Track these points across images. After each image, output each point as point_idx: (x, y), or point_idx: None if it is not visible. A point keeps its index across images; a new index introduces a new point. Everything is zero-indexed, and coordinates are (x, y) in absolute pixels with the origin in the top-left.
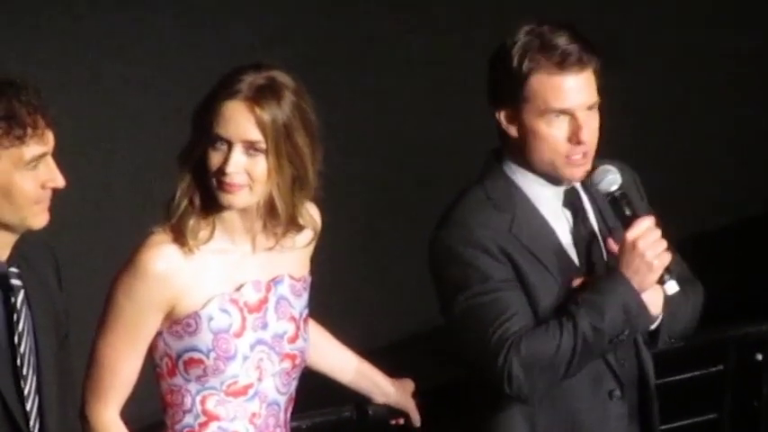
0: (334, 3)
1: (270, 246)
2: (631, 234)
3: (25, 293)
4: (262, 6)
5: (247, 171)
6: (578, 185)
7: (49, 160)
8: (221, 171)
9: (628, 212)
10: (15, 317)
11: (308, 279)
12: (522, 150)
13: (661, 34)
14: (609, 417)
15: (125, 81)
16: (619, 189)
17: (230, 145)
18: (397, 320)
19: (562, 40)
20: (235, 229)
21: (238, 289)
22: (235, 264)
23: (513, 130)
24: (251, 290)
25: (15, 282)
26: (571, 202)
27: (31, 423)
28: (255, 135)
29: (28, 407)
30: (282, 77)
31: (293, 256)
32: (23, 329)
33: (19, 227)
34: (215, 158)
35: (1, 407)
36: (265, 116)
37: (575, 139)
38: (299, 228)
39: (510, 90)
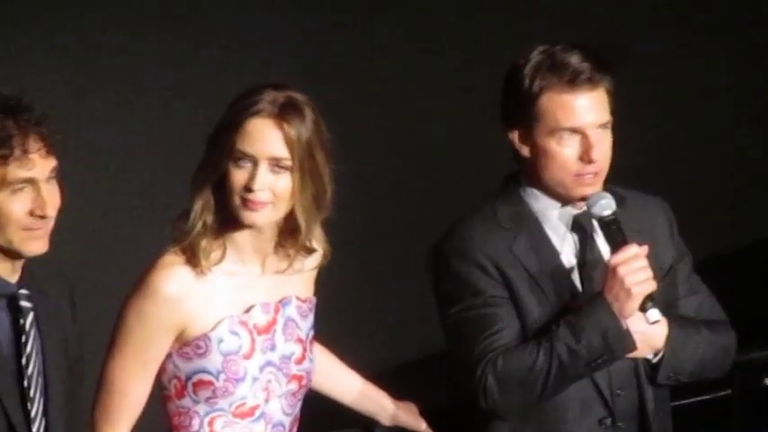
0: (339, 8)
1: (282, 268)
2: (615, 259)
3: (35, 316)
4: (271, 12)
5: (271, 189)
6: (594, 215)
7: (41, 186)
8: (248, 189)
9: (618, 238)
10: (24, 338)
11: (314, 300)
12: (534, 170)
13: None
14: None
15: (136, 95)
16: (611, 215)
17: (255, 162)
18: (403, 343)
19: (574, 59)
20: (245, 249)
21: (248, 311)
22: (244, 285)
23: (525, 150)
24: (260, 312)
25: (25, 303)
26: (580, 226)
27: None
28: (282, 152)
29: (34, 429)
30: (300, 96)
31: (300, 278)
32: (32, 351)
33: (9, 250)
34: (239, 176)
35: (6, 428)
36: (292, 132)
37: (586, 157)
38: (311, 251)
39: (522, 110)
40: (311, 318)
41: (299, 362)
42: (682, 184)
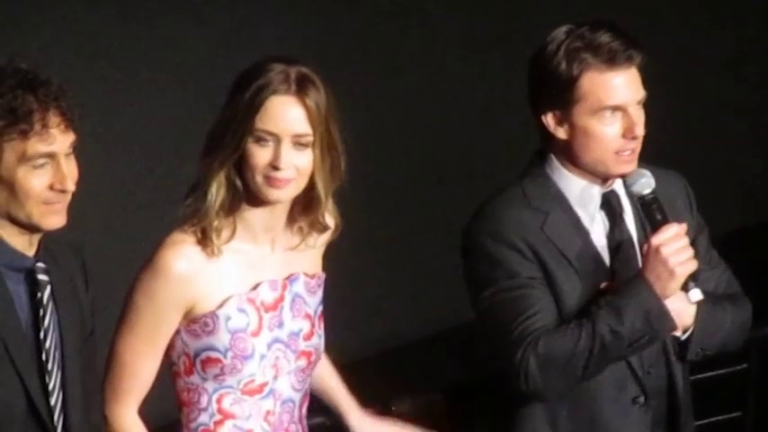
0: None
1: (294, 244)
2: (656, 239)
3: (51, 289)
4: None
5: (295, 165)
6: (621, 189)
7: (61, 161)
8: (273, 167)
9: (658, 217)
10: (41, 312)
11: (322, 276)
12: (570, 151)
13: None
14: (631, 423)
15: (151, 79)
16: (651, 193)
17: (278, 140)
18: (420, 318)
19: (605, 38)
20: (255, 227)
21: (255, 288)
22: (252, 263)
23: (561, 132)
24: (267, 289)
25: (42, 277)
26: (609, 204)
27: (55, 418)
28: (305, 128)
29: (52, 402)
30: (308, 68)
31: (308, 254)
32: (49, 325)
33: (28, 225)
34: (262, 154)
35: (26, 401)
36: (313, 108)
37: (629, 134)
38: (326, 227)
39: (558, 92)
40: (320, 293)
41: (308, 338)
42: (699, 159)
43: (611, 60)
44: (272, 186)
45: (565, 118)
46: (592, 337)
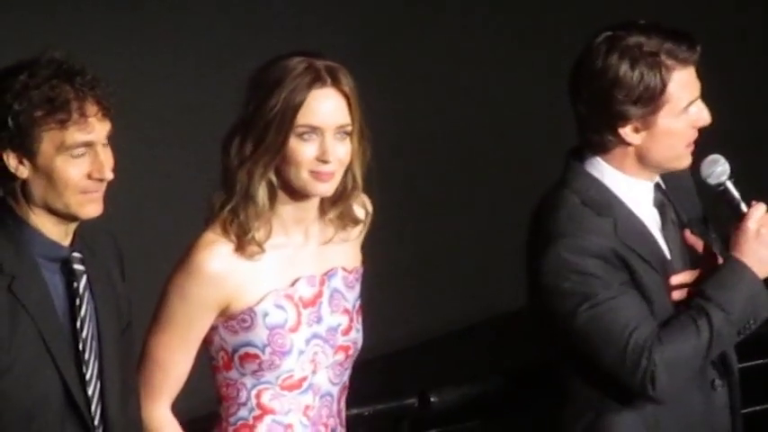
0: None
1: (328, 237)
2: (753, 222)
3: (87, 279)
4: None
5: (338, 156)
6: (660, 181)
7: (99, 150)
8: (322, 161)
9: (740, 202)
10: (78, 301)
11: (360, 270)
12: (642, 154)
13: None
14: (714, 407)
15: (195, 75)
16: (730, 177)
17: (322, 133)
18: (453, 310)
19: (668, 37)
20: (287, 222)
21: (293, 284)
22: (289, 258)
23: (637, 139)
24: (305, 285)
25: (78, 267)
26: (659, 199)
27: (93, 408)
28: (346, 119)
29: (89, 392)
30: (330, 59)
31: (345, 248)
32: (86, 315)
33: (66, 214)
34: (308, 150)
35: (63, 391)
36: (352, 100)
37: (701, 122)
38: (356, 219)
39: (645, 102)
40: (358, 288)
41: (346, 332)
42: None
43: (686, 58)
44: (320, 180)
45: (646, 125)
46: (710, 330)
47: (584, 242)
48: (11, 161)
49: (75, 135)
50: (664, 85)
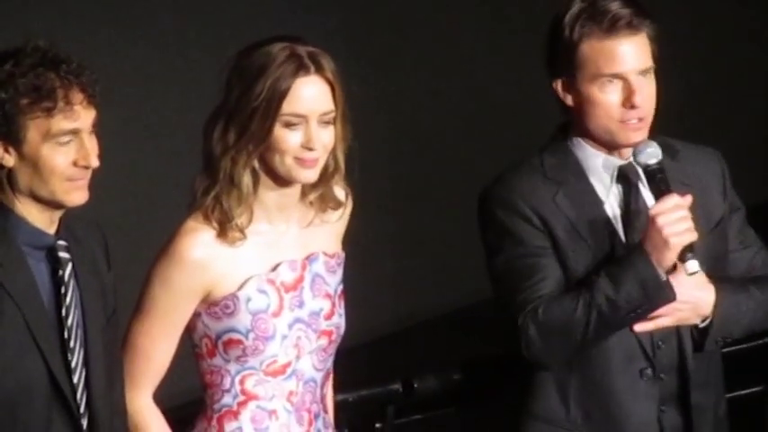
0: None
1: (308, 220)
2: (654, 209)
3: (73, 267)
4: None
5: (323, 143)
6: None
7: (84, 137)
8: (307, 148)
9: (662, 187)
10: (63, 289)
11: (342, 255)
12: (579, 119)
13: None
14: (639, 395)
15: (176, 67)
16: (657, 164)
17: (307, 121)
18: (435, 296)
19: (614, 6)
20: (270, 208)
21: (274, 269)
22: (270, 244)
23: (569, 99)
24: (287, 269)
25: (63, 255)
26: (625, 176)
27: (78, 396)
28: (330, 105)
29: (75, 380)
30: (312, 43)
31: (326, 233)
32: (71, 303)
33: (52, 201)
34: (293, 138)
35: (49, 379)
36: (336, 85)
37: (628, 103)
38: (337, 201)
39: (564, 59)
40: (340, 273)
41: (329, 317)
42: (737, 133)
43: (611, 27)
44: (304, 167)
45: (570, 85)
46: (589, 306)
47: (512, 198)
48: None
49: (61, 123)
50: (575, 45)
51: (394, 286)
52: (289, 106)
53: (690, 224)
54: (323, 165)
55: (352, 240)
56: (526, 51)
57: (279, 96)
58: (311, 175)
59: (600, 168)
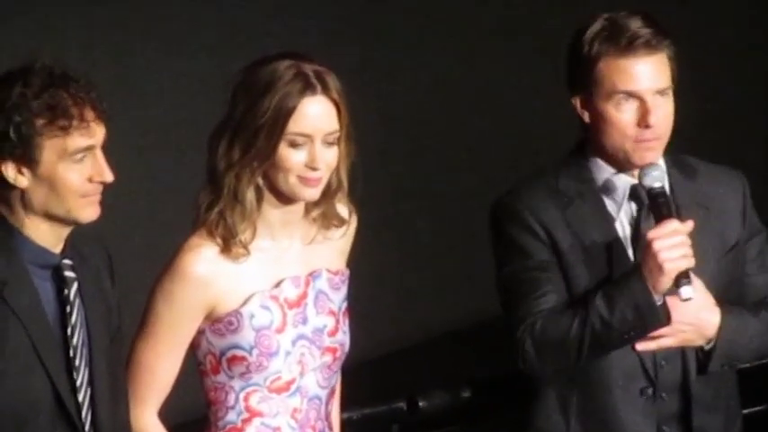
0: None
1: (311, 236)
2: (651, 233)
3: (78, 286)
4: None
5: (327, 162)
6: (667, 185)
7: (98, 154)
8: (311, 167)
9: (663, 211)
10: (69, 309)
11: (346, 272)
12: (595, 136)
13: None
14: (639, 414)
15: (181, 81)
16: (660, 187)
17: (312, 140)
18: (440, 313)
19: (634, 25)
20: (274, 225)
21: (277, 285)
22: (273, 260)
23: (586, 116)
24: (290, 286)
25: (69, 274)
26: (637, 196)
27: (83, 415)
28: (335, 126)
29: (80, 398)
30: (317, 61)
31: (330, 250)
32: (76, 322)
33: (66, 219)
34: (297, 157)
35: (54, 398)
36: (341, 105)
37: (643, 122)
38: (340, 218)
39: (582, 76)
40: (344, 290)
41: (332, 334)
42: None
43: (629, 46)
44: (307, 186)
45: (588, 102)
46: (583, 325)
47: (521, 211)
48: (9, 171)
49: (77, 140)
50: (591, 62)
51: (398, 303)
52: (294, 125)
53: (687, 250)
54: (326, 183)
55: (356, 257)
56: (536, 75)
57: (285, 115)
58: (314, 193)
59: (613, 186)
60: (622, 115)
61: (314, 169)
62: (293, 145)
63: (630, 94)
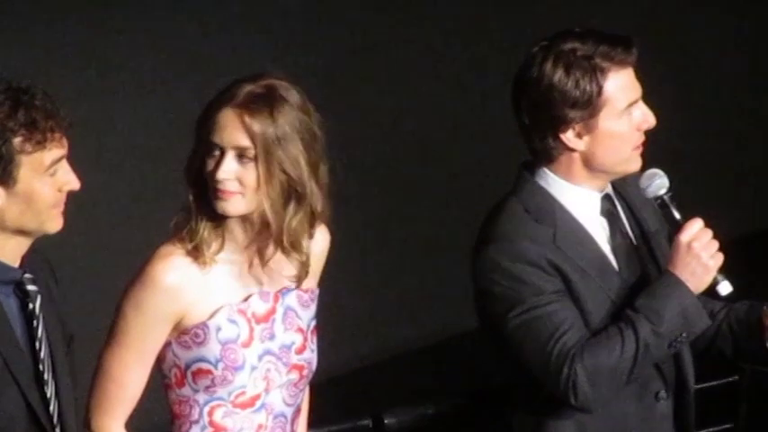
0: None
1: (271, 255)
2: (685, 236)
3: (41, 299)
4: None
5: (239, 178)
6: (612, 191)
7: (65, 163)
8: (213, 178)
9: (677, 216)
10: (35, 322)
11: (316, 291)
12: (588, 159)
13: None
14: (654, 417)
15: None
16: (668, 192)
17: (223, 152)
18: (405, 330)
19: (602, 41)
20: (239, 239)
21: (246, 299)
22: (243, 274)
23: (581, 145)
24: (258, 300)
25: (32, 288)
26: (607, 209)
27: (54, 425)
28: (245, 141)
29: (51, 410)
30: (283, 89)
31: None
32: (42, 334)
33: (36, 232)
34: (210, 166)
35: (27, 413)
36: (255, 124)
37: (645, 124)
38: (289, 251)
39: (583, 106)
40: (313, 308)
41: (300, 351)
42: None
43: (622, 59)
44: (217, 198)
45: (588, 128)
46: (635, 342)
47: (518, 247)
48: None
49: (53, 153)
50: (600, 87)
51: (362, 321)
52: (210, 134)
53: (717, 244)
54: (248, 204)
55: (324, 274)
56: (504, 76)
57: (204, 123)
58: (226, 207)
59: (582, 205)
60: (630, 126)
61: (215, 180)
62: (210, 154)
63: (635, 102)
